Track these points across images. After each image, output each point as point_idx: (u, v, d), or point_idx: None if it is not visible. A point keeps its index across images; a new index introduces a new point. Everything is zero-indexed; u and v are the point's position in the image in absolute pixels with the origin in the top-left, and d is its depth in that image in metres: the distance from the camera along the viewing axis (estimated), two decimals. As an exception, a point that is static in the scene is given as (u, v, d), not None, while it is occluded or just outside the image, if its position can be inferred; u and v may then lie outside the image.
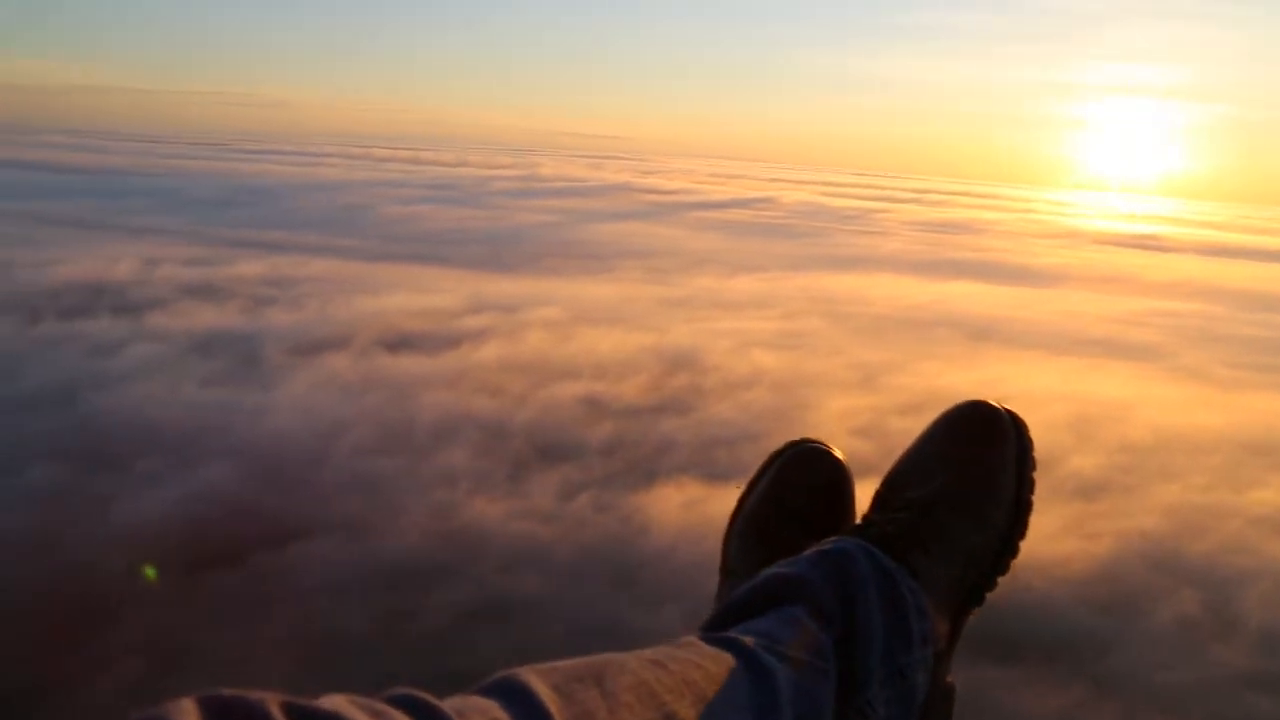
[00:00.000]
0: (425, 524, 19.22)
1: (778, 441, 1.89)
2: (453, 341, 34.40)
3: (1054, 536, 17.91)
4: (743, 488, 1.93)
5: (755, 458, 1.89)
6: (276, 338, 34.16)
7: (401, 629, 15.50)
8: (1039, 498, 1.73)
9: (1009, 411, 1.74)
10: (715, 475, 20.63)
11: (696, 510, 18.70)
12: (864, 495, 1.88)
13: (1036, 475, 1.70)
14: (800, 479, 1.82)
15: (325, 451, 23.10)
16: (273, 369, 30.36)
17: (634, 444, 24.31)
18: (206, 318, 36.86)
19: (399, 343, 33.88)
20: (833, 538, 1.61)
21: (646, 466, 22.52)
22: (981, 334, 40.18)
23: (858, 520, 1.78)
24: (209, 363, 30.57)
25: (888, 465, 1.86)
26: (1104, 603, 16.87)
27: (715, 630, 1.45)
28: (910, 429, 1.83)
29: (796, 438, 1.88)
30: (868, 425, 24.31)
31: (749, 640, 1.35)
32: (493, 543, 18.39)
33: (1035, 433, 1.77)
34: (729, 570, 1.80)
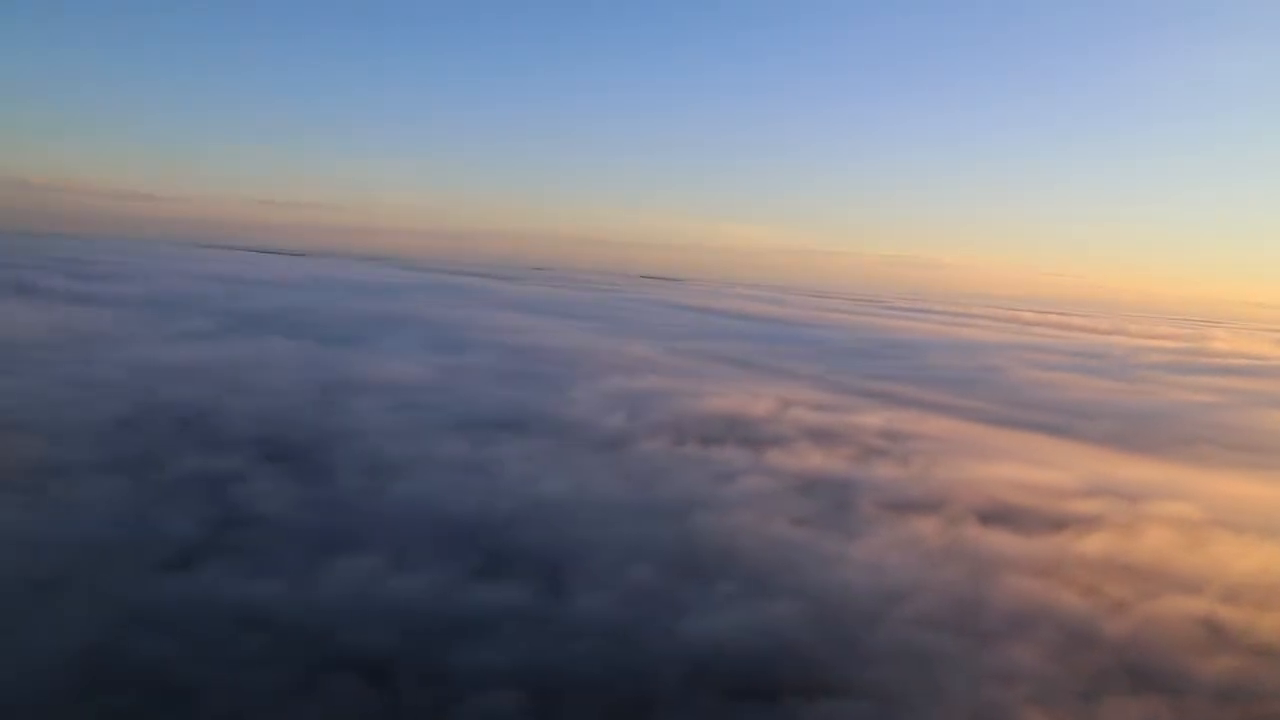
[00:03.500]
0: (964, 718, 17.39)
1: None
2: (1056, 524, 31.34)
3: None
4: None
5: None
6: (874, 489, 34.72)
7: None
8: None
9: None
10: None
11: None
12: None
13: None
14: None
15: (885, 613, 22.46)
16: (861, 519, 30.75)
17: (1260, 694, 19.23)
18: (816, 460, 39.06)
19: (995, 515, 31.91)
20: None
21: (1270, 728, 17.61)
22: None
23: None
24: (805, 502, 32.15)
25: None
26: None
27: None
28: None
29: None
30: None
31: None
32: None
33: None
34: None
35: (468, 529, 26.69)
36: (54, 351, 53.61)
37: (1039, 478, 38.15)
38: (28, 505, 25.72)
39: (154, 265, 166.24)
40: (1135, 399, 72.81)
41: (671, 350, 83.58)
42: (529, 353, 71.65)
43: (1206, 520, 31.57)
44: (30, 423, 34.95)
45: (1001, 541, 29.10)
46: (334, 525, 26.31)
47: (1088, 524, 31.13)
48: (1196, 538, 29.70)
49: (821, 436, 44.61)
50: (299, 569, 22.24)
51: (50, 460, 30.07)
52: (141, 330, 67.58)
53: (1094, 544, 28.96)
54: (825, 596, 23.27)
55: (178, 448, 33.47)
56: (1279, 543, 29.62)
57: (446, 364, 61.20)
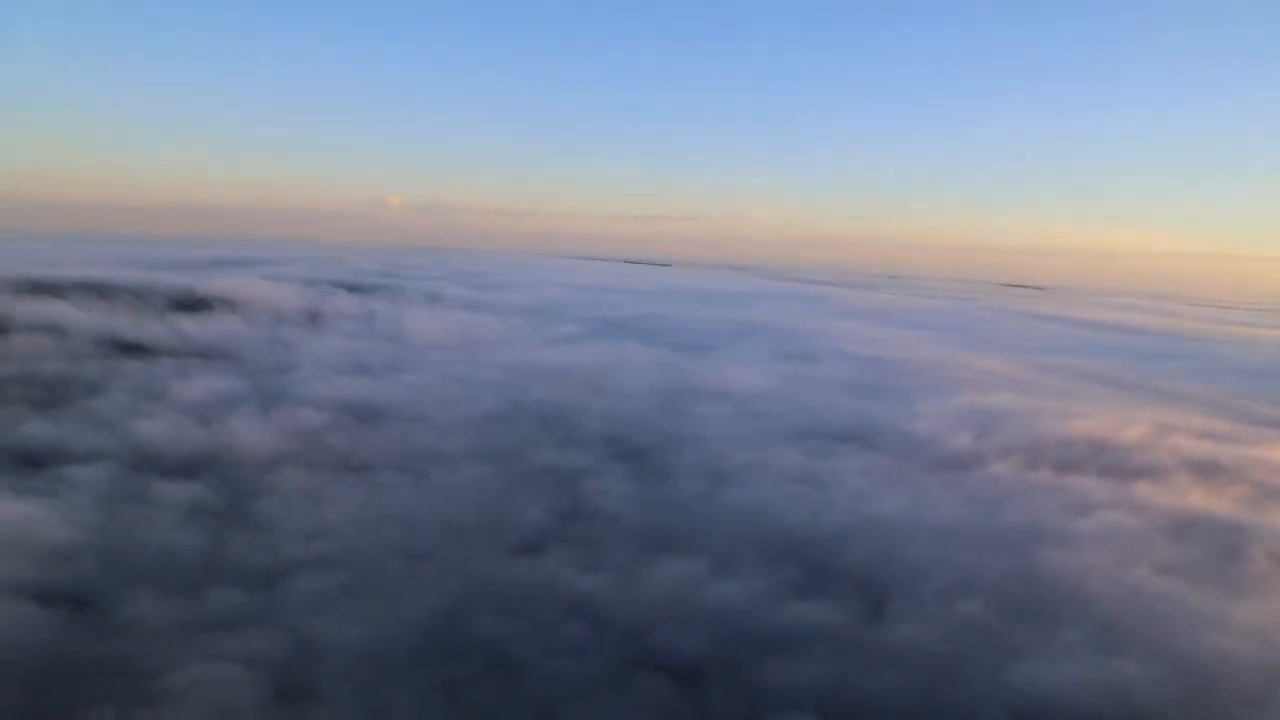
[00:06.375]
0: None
1: None
2: None
3: None
4: None
5: None
6: (1272, 539, 29.64)
7: None
8: None
9: None
10: None
11: None
12: None
13: None
14: None
15: (1274, 694, 19.08)
16: (1250, 575, 26.43)
17: None
18: (1195, 498, 34.13)
19: None
20: None
21: None
22: None
23: None
24: (1177, 548, 28.22)
25: None
26: None
27: None
28: None
29: None
30: None
31: None
32: None
33: None
34: None
35: (794, 542, 26.61)
36: (447, 352, 61.35)
37: None
38: (412, 487, 29.63)
39: (534, 276, 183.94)
40: None
41: (1032, 365, 77.30)
42: (876, 364, 69.88)
43: None
44: (423, 415, 40.23)
45: None
46: (666, 525, 27.48)
47: None
48: None
49: (1207, 471, 38.87)
50: (628, 565, 23.52)
51: (434, 448, 34.42)
52: (518, 334, 75.17)
53: None
54: (1193, 663, 20.27)
55: (539, 442, 36.81)
56: None
57: (792, 373, 61.50)
